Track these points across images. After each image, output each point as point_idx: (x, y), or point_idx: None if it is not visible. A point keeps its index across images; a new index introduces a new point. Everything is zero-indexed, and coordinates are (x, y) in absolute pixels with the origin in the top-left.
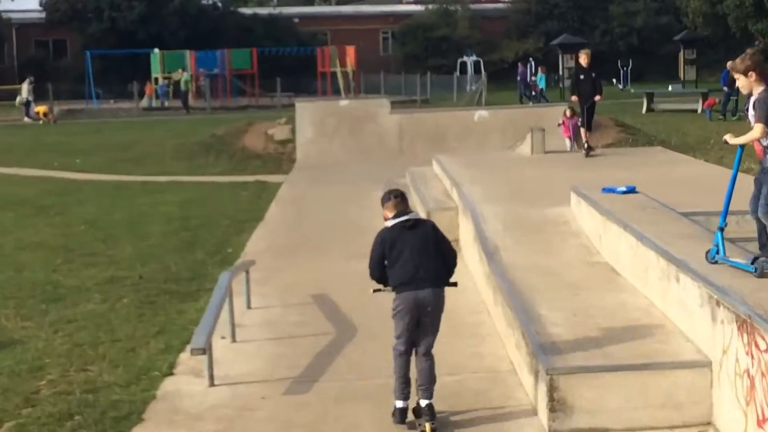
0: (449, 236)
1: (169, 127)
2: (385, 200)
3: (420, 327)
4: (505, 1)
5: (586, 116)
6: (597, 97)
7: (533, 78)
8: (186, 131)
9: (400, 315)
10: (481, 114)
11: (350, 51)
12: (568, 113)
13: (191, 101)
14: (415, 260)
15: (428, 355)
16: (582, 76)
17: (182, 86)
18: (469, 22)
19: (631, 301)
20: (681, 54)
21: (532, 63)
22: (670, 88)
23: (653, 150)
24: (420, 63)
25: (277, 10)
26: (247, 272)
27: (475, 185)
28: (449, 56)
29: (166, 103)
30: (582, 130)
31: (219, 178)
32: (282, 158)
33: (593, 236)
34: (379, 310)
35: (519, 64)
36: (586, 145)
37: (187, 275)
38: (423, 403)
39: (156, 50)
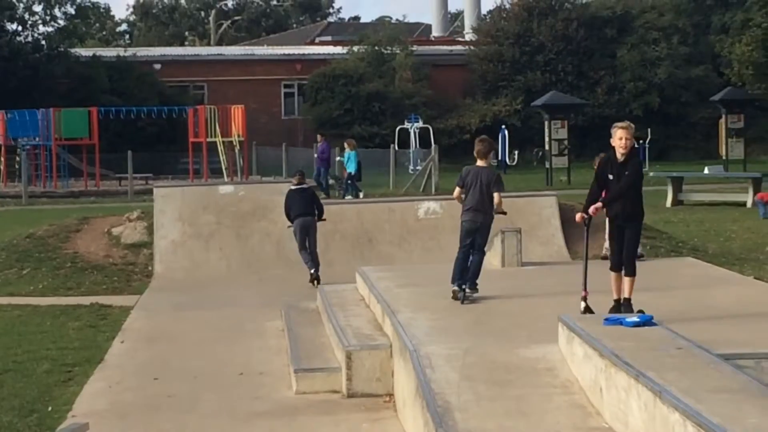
0: (378, 386)
1: None
2: (293, 176)
3: (308, 238)
4: (467, 42)
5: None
6: None
7: (338, 158)
8: None
9: (296, 232)
10: (429, 207)
11: (237, 112)
12: None
13: None
14: (302, 206)
15: (313, 252)
16: (611, 176)
17: None
18: (412, 72)
19: None
20: (722, 121)
21: (506, 132)
22: (706, 171)
23: (681, 262)
24: (341, 131)
25: (129, 52)
26: None
27: (418, 313)
28: (384, 121)
29: None
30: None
31: (36, 300)
32: (133, 271)
33: (591, 390)
34: None
35: (319, 137)
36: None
37: None
38: (313, 271)
39: None
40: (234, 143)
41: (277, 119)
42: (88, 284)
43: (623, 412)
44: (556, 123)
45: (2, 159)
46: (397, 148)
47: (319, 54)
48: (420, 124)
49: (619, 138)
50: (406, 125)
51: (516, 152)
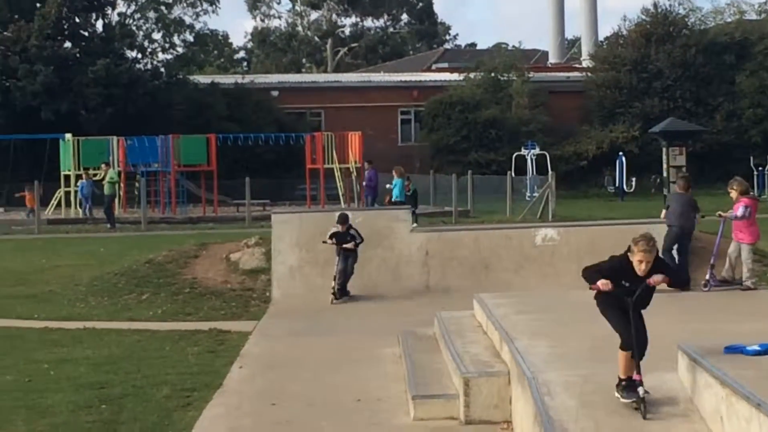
0: (496, 413)
1: (85, 248)
2: (337, 221)
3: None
4: (584, 69)
5: None
6: None
7: (387, 186)
8: (109, 255)
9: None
10: (546, 233)
11: (354, 139)
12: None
13: (118, 211)
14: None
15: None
16: (627, 283)
17: (106, 189)
18: (529, 99)
19: None
20: None
21: (623, 159)
22: None
23: None
24: (457, 157)
25: (246, 79)
26: None
27: (536, 340)
28: (501, 148)
29: (87, 213)
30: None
31: (156, 326)
32: (251, 296)
33: (711, 419)
34: None
35: (365, 164)
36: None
37: None
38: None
39: (68, 136)
40: (351, 169)
41: (393, 146)
42: (207, 309)
43: None
44: (674, 150)
45: (122, 185)
46: (513, 174)
47: (435, 81)
48: (537, 150)
49: (638, 261)
50: (523, 152)
51: (633, 179)
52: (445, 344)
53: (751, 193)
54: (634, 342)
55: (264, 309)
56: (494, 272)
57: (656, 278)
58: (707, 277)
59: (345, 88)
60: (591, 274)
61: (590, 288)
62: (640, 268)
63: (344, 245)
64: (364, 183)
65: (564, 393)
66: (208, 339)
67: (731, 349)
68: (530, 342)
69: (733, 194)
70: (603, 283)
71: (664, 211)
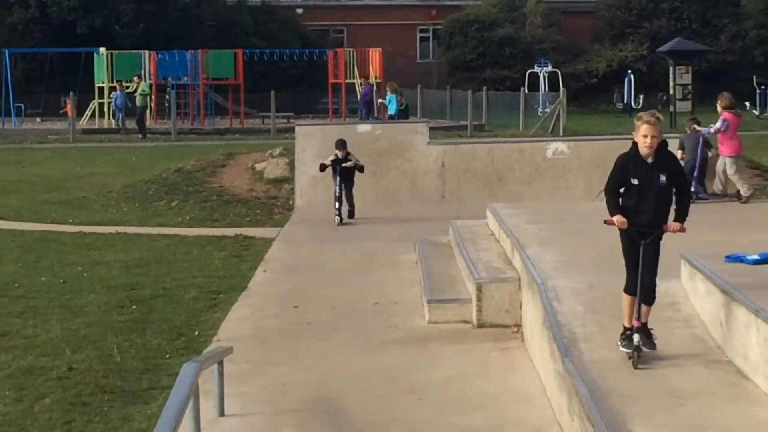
0: (507, 317)
1: (117, 157)
2: (336, 146)
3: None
4: None
5: None
6: None
7: (380, 101)
8: (141, 164)
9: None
10: (557, 147)
11: (375, 55)
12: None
13: (150, 122)
14: (342, 179)
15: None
16: (635, 180)
17: (138, 101)
18: (543, 18)
19: (765, 416)
20: None
21: (631, 77)
22: None
23: None
24: (473, 74)
25: None
26: (221, 365)
27: (546, 248)
28: (514, 66)
29: (120, 123)
30: None
31: (184, 231)
32: (275, 204)
33: (711, 324)
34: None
35: (362, 80)
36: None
37: (136, 367)
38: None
39: (102, 50)
40: (371, 85)
41: (412, 62)
42: (233, 216)
43: (743, 346)
44: (680, 69)
45: (153, 97)
46: (526, 91)
47: (453, 0)
48: (549, 68)
49: (643, 135)
50: (536, 69)
51: (641, 96)
52: (459, 251)
53: (736, 110)
54: (639, 287)
55: (287, 216)
56: (507, 184)
57: (674, 225)
58: (692, 188)
59: (367, 7)
60: (610, 200)
61: (605, 222)
62: (645, 144)
63: (343, 164)
64: (360, 99)
65: (571, 298)
66: (233, 244)
67: (731, 258)
68: (540, 250)
69: (719, 109)
70: (620, 222)
71: (680, 152)
